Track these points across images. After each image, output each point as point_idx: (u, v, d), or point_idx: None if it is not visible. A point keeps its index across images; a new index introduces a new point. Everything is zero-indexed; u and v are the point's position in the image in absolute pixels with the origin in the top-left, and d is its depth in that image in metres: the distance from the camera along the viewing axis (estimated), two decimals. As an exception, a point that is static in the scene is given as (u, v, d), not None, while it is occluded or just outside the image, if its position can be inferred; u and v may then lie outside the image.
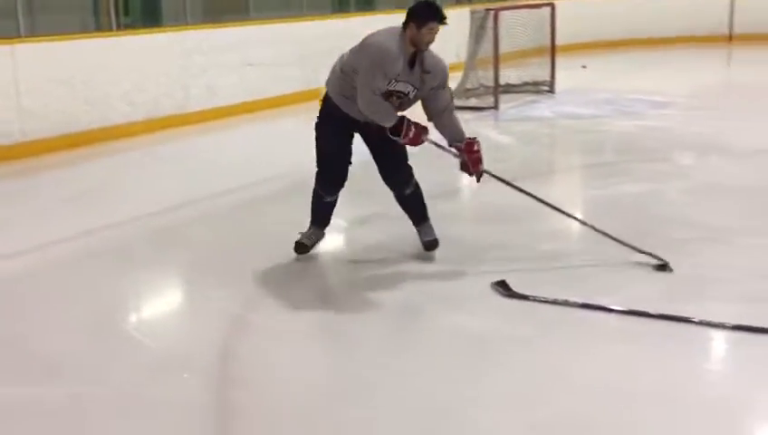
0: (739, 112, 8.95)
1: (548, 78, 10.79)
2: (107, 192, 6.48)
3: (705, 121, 8.47)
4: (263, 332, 3.74)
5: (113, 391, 3.22)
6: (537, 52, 11.02)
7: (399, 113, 4.25)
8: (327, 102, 4.36)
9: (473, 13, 10.22)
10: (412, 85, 4.20)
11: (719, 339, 3.52)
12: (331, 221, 4.63)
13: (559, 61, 10.94)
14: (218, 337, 3.63)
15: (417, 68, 4.18)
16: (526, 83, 10.83)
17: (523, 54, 10.98)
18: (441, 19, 4.09)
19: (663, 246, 4.51)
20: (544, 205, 4.48)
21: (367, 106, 4.13)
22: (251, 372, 3.34)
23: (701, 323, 3.52)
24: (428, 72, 4.20)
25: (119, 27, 8.95)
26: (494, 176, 4.39)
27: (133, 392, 3.20)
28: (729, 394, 3.06)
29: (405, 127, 4.17)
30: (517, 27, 10.65)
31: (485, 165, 4.32)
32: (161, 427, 2.96)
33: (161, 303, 4.36)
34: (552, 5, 10.82)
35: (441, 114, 4.34)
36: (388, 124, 4.16)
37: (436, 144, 4.37)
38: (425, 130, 4.25)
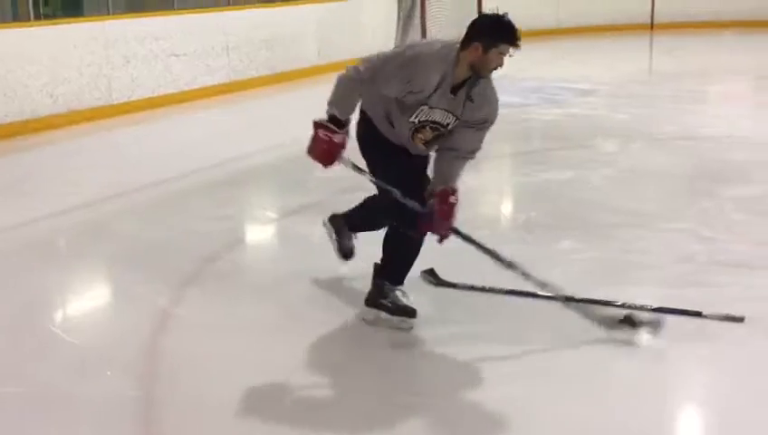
0: (660, 100, 9.16)
1: (475, 67, 10.84)
2: (28, 186, 6.29)
3: (628, 109, 8.64)
4: (188, 327, 3.68)
5: (33, 390, 3.13)
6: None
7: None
8: (366, 124, 3.48)
9: (400, 2, 10.22)
10: (453, 114, 3.33)
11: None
12: (261, 213, 4.45)
13: (486, 50, 10.99)
14: (143, 333, 3.57)
15: (461, 94, 3.30)
16: (454, 73, 10.90)
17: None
18: (516, 41, 3.24)
19: (587, 230, 4.62)
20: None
21: (336, 79, 3.36)
22: (176, 368, 3.29)
23: (624, 306, 3.59)
24: (472, 101, 3.31)
25: (37, 17, 8.71)
26: (465, 237, 3.46)
27: (54, 390, 3.12)
28: (652, 374, 3.14)
29: (319, 131, 3.29)
30: (442, 17, 10.72)
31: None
32: (83, 425, 2.90)
33: (84, 298, 4.26)
34: (478, -5, 10.89)
35: (453, 154, 3.42)
36: (326, 110, 3.34)
37: (355, 167, 3.45)
38: (339, 145, 3.30)
